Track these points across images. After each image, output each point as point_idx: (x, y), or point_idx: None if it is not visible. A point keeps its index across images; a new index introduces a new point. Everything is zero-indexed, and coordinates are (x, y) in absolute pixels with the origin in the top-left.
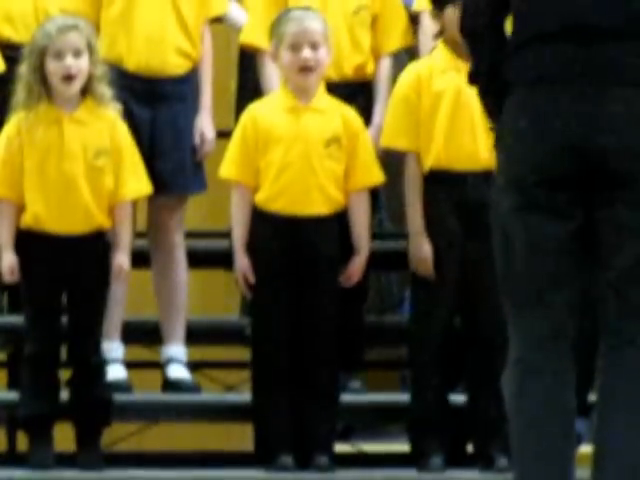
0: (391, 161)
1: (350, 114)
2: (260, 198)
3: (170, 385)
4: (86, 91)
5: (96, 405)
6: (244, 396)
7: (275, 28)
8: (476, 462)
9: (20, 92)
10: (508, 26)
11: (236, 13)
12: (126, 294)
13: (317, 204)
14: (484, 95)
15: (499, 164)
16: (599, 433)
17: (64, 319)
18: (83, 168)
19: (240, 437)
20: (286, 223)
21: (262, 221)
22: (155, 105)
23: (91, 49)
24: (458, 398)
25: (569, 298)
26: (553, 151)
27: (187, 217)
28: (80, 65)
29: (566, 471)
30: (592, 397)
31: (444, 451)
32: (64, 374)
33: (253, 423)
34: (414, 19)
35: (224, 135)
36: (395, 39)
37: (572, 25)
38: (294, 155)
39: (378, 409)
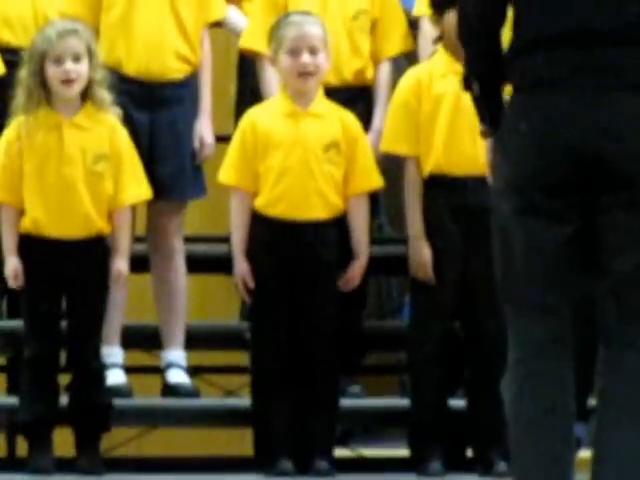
0: (390, 166)
1: (349, 119)
2: (259, 203)
3: (170, 390)
4: (86, 96)
5: (96, 410)
6: (244, 401)
7: (274, 33)
8: (475, 467)
9: (20, 96)
10: (508, 30)
11: (235, 17)
12: (126, 299)
13: (316, 209)
14: (477, 100)
15: (499, 167)
16: (598, 437)
17: (64, 324)
18: (82, 173)
19: (240, 442)
20: (285, 228)
21: (261, 226)
22: (154, 110)
23: (91, 54)
24: (458, 403)
25: (568, 302)
26: (553, 155)
27: (186, 222)
28: (80, 70)
29: (565, 475)
30: (591, 401)
31: (443, 456)
32: (64, 379)
33: (253, 428)
34: (413, 24)
35: (223, 140)
36: (395, 44)
37: (572, 29)
38: (293, 160)
39: (377, 414)
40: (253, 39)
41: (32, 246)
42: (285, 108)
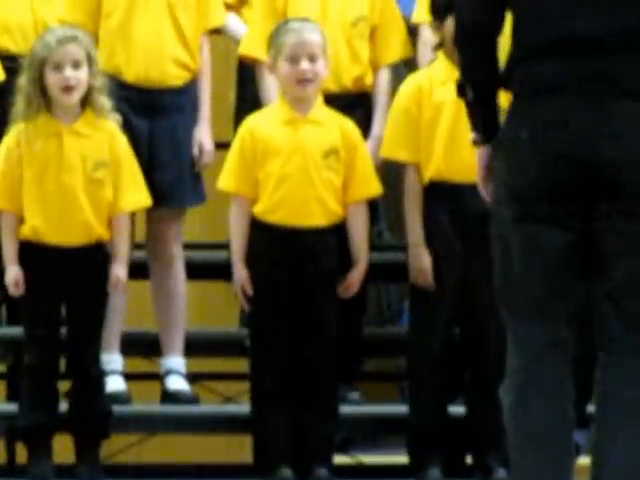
0: (390, 172)
1: (348, 126)
2: (258, 210)
3: (169, 397)
4: (86, 102)
5: (95, 417)
6: (243, 408)
7: (273, 39)
8: (475, 473)
9: (19, 103)
10: (506, 39)
11: (235, 24)
12: (125, 306)
13: (315, 216)
14: (471, 106)
15: (499, 175)
16: (598, 442)
17: (63, 330)
18: (82, 180)
19: (239, 449)
20: (284, 235)
21: (260, 233)
22: (154, 116)
23: (90, 60)
24: (457, 409)
25: (568, 309)
26: (554, 162)
27: (186, 228)
28: (79, 76)
29: None
30: (590, 408)
31: (443, 462)
32: (63, 385)
33: (252, 435)
34: (412, 31)
35: (223, 146)
36: (394, 51)
37: (572, 37)
38: (292, 167)
39: (377, 420)
40: (252, 46)
41: (32, 253)
42: (284, 115)
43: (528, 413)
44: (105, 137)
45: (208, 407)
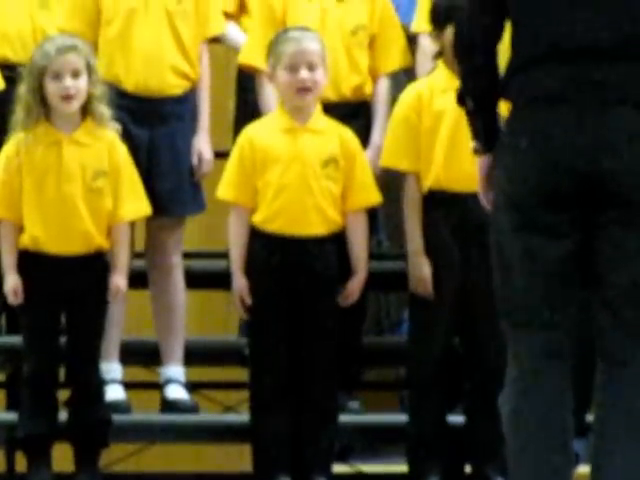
0: (389, 181)
1: (347, 135)
2: (258, 219)
3: (168, 405)
4: (85, 111)
5: (95, 426)
6: (242, 417)
7: (272, 48)
8: None
9: (19, 112)
10: (507, 45)
11: (234, 33)
12: (124, 315)
13: (315, 225)
14: (471, 115)
15: (499, 184)
16: (597, 452)
17: (63, 340)
18: (82, 189)
19: (238, 458)
20: (284, 244)
21: (260, 242)
22: (153, 125)
23: (90, 69)
24: (456, 419)
25: (567, 318)
26: (553, 171)
27: (185, 237)
28: (79, 85)
29: None
30: (589, 417)
31: (442, 471)
32: (63, 394)
33: (251, 444)
34: (411, 40)
35: (222, 155)
36: (393, 59)
37: (571, 46)
38: (291, 176)
39: (376, 430)
40: (252, 55)
41: (31, 262)
42: (283, 124)
43: (527, 422)
44: (105, 146)
45: (207, 416)
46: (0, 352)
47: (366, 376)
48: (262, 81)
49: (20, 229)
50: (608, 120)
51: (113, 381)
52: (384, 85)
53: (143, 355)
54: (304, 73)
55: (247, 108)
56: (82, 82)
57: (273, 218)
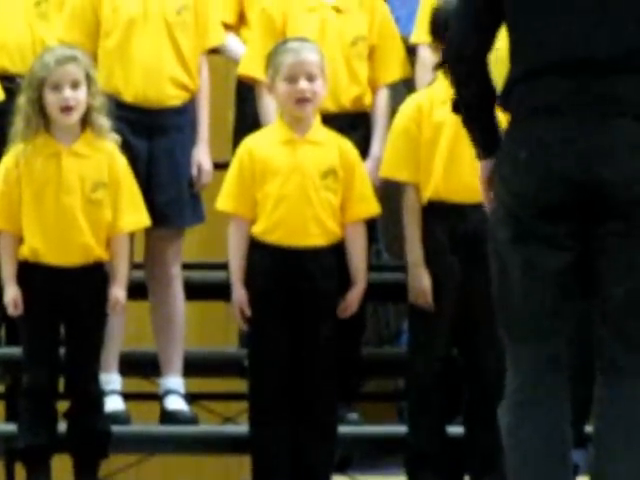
0: (389, 192)
1: (346, 146)
2: (257, 230)
3: (168, 417)
4: (85, 122)
5: (94, 437)
6: (242, 428)
7: (272, 59)
8: None
9: (18, 124)
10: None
11: (234, 44)
12: (124, 326)
13: (314, 236)
14: (467, 124)
15: (498, 195)
16: (596, 463)
17: (62, 351)
18: (81, 201)
19: (238, 469)
20: (283, 255)
21: (259, 253)
22: (152, 137)
23: (89, 80)
24: (455, 430)
25: (566, 330)
26: (552, 182)
27: (184, 249)
28: (78, 97)
29: None
30: (588, 428)
31: None
32: (62, 406)
33: (251, 455)
34: (411, 51)
35: (221, 167)
36: (393, 70)
37: (570, 57)
38: (291, 187)
39: (375, 441)
40: (251, 66)
41: (31, 274)
42: (282, 135)
43: (526, 433)
44: (104, 157)
45: (207, 427)
46: None
47: (365, 387)
48: (261, 92)
49: (20, 240)
50: (608, 132)
51: (112, 392)
52: (384, 96)
53: (142, 366)
54: (303, 84)
55: (246, 119)
56: (81, 93)
57: (272, 229)
